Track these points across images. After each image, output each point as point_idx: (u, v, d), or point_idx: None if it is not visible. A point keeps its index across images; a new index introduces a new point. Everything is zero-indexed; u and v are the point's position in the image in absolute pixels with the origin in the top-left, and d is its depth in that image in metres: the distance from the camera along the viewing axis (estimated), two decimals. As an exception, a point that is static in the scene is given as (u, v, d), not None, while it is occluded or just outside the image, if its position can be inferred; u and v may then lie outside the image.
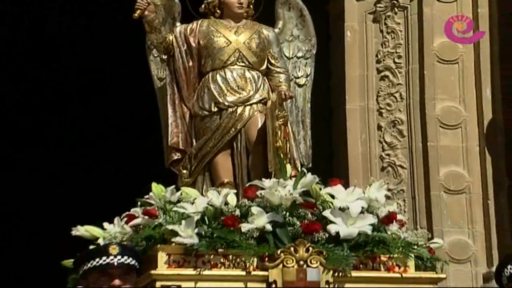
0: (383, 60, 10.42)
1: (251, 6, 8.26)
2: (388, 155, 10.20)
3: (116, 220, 7.64)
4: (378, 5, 10.41)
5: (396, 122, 10.25)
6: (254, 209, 7.33)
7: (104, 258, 6.58)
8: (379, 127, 10.31)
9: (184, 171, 8.06)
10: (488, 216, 10.17)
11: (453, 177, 10.20)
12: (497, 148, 10.37)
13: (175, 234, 7.21)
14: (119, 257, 6.57)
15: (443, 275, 7.75)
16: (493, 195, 10.22)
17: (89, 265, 6.57)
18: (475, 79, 10.48)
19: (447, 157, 10.21)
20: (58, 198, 16.31)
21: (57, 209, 15.06)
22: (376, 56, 10.40)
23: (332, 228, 7.35)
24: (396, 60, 10.38)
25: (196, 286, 7.13)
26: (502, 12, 10.53)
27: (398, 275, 7.38)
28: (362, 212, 7.45)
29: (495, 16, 10.49)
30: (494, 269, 7.74)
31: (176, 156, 8.15)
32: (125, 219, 7.60)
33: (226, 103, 8.02)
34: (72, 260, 7.10)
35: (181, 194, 7.55)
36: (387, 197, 7.76)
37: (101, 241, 7.51)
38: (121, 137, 15.55)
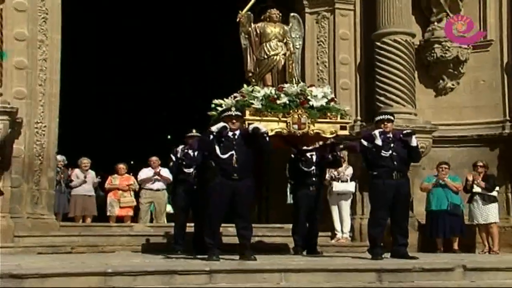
0: (319, 38, 10.43)
1: (279, 17, 8.18)
2: (321, 75, 10.34)
3: (230, 97, 7.69)
4: (318, 17, 10.44)
5: (324, 61, 10.43)
6: (282, 95, 7.52)
7: (229, 111, 6.85)
8: (317, 64, 10.32)
9: (253, 80, 7.98)
10: (360, 98, 10.21)
11: (345, 84, 10.51)
12: (361, 72, 10.34)
13: (252, 104, 7.39)
14: (234, 112, 6.86)
15: (350, 121, 8.16)
16: (365, 86, 10.14)
17: (223, 114, 6.85)
18: (354, 47, 10.44)
19: (341, 74, 10.12)
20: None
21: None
22: (317, 36, 10.44)
23: (310, 103, 7.58)
24: (324, 38, 10.35)
25: (260, 123, 7.09)
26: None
27: (334, 120, 7.64)
28: (322, 97, 7.64)
29: (364, 21, 10.36)
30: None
31: (250, 74, 8.03)
32: (233, 97, 7.65)
33: (270, 54, 7.95)
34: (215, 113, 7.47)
35: (253, 88, 7.64)
36: (330, 92, 7.92)
37: (224, 106, 7.51)
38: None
